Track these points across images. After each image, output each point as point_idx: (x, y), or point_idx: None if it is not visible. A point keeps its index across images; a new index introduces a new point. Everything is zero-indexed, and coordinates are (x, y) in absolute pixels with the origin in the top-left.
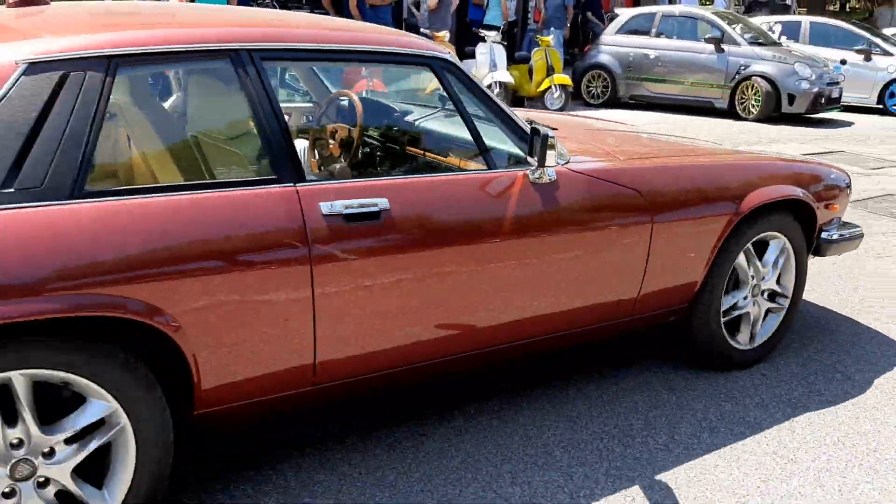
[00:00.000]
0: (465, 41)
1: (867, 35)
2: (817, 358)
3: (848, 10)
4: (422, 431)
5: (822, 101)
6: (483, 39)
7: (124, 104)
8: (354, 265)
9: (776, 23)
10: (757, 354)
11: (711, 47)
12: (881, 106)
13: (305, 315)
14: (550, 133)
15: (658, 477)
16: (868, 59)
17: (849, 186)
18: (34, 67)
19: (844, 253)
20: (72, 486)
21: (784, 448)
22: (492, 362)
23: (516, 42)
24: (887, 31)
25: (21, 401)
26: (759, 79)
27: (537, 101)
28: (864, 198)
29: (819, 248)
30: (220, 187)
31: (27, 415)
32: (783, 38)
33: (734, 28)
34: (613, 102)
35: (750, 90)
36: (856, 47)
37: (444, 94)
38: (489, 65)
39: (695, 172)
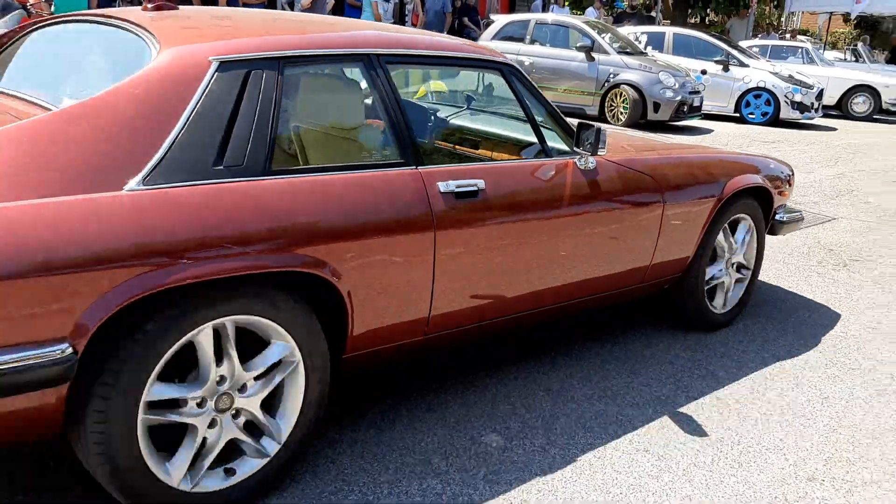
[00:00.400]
0: None
1: (725, 47)
2: (684, 355)
3: (707, 23)
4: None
5: (685, 109)
6: None
7: (290, 98)
8: (461, 233)
9: (643, 33)
10: (727, 317)
11: (583, 55)
12: (738, 114)
13: (427, 273)
14: (603, 127)
15: (535, 479)
16: (726, 69)
17: (792, 176)
18: (224, 65)
19: (791, 232)
20: (259, 415)
21: (655, 445)
22: (555, 317)
23: None
24: (743, 44)
25: (230, 342)
26: (626, 87)
27: None
28: None
29: (774, 228)
30: (366, 168)
31: (233, 354)
32: (649, 49)
33: (604, 37)
34: None
35: (618, 98)
36: (715, 58)
37: (510, 93)
38: None
39: (690, 164)
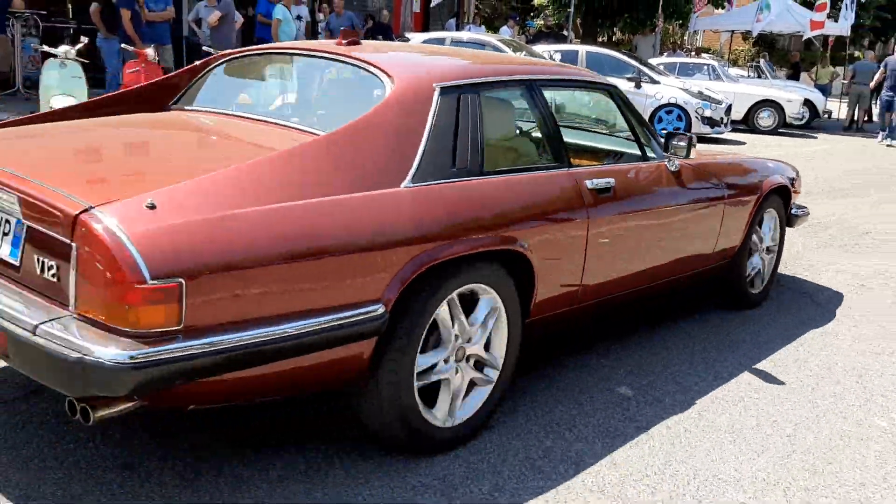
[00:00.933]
0: None
1: (636, 64)
2: (627, 381)
3: (614, 41)
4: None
5: None
6: None
7: (486, 114)
8: (602, 220)
9: (556, 52)
10: (762, 296)
11: None
12: None
13: (581, 252)
14: (693, 135)
15: None
16: (638, 86)
17: (799, 177)
18: (444, 91)
19: (802, 225)
20: (484, 354)
21: (609, 484)
22: (651, 296)
23: None
24: (652, 61)
25: (458, 307)
26: None
27: None
28: None
29: (790, 221)
30: (538, 169)
31: (462, 316)
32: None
33: (521, 56)
34: None
35: None
36: (626, 75)
37: (616, 109)
38: None
39: (738, 166)
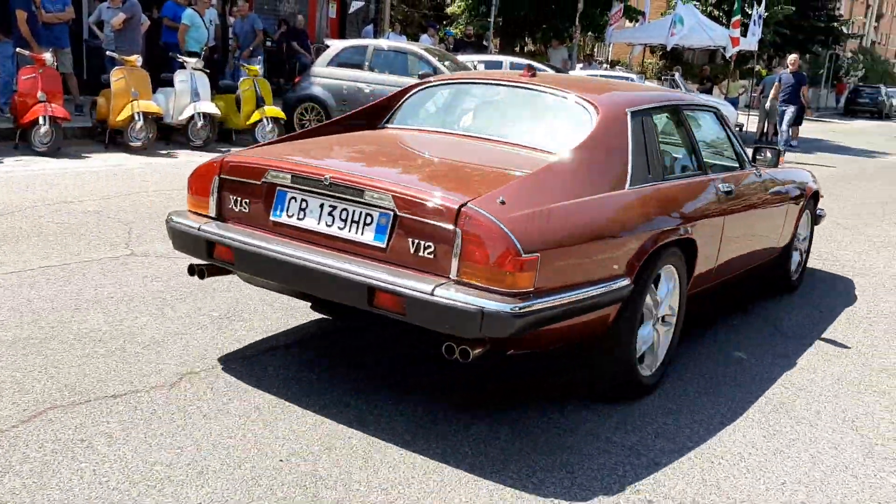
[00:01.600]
0: (161, 67)
1: None
2: (616, 439)
3: (527, 52)
4: None
5: None
6: (182, 66)
7: (658, 133)
8: (729, 215)
9: (479, 62)
10: (798, 282)
11: None
12: None
13: (718, 240)
14: (777, 148)
15: None
16: None
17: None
18: (633, 115)
19: (823, 223)
20: (667, 311)
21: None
22: (748, 278)
23: (218, 69)
24: (573, 74)
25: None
26: None
27: (247, 133)
28: None
29: (817, 220)
30: (692, 176)
31: (655, 288)
32: None
33: (445, 65)
34: None
35: None
36: None
37: (719, 126)
38: (190, 94)
39: (791, 174)
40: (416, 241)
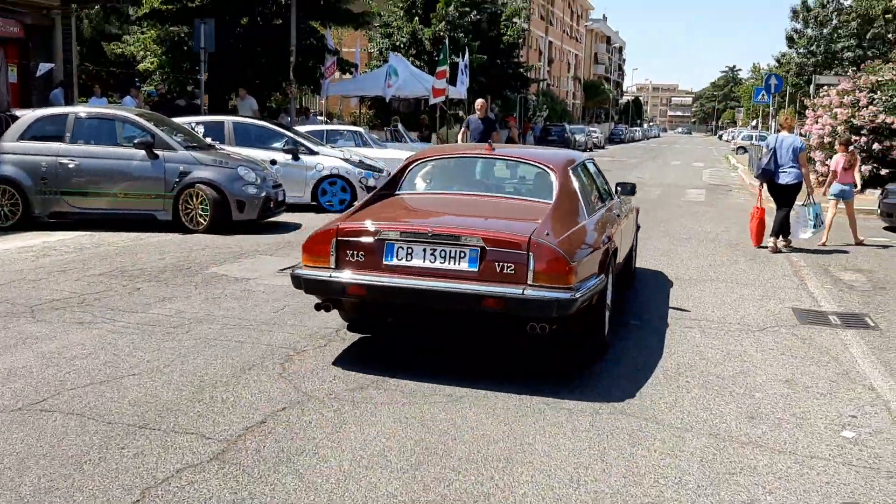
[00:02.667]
0: None
1: (289, 134)
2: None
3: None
4: None
5: (272, 204)
6: None
7: (580, 176)
8: (621, 228)
9: (198, 123)
10: (634, 276)
11: (143, 153)
12: (315, 203)
13: (619, 243)
14: (633, 183)
15: None
16: (296, 158)
17: None
18: (572, 169)
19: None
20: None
21: None
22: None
23: None
24: (301, 129)
25: None
26: (203, 186)
27: None
28: None
29: (638, 228)
30: (605, 201)
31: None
32: (208, 140)
33: (163, 130)
34: (29, 223)
35: (195, 199)
36: (280, 146)
37: (597, 169)
38: None
39: (626, 201)
40: (498, 263)
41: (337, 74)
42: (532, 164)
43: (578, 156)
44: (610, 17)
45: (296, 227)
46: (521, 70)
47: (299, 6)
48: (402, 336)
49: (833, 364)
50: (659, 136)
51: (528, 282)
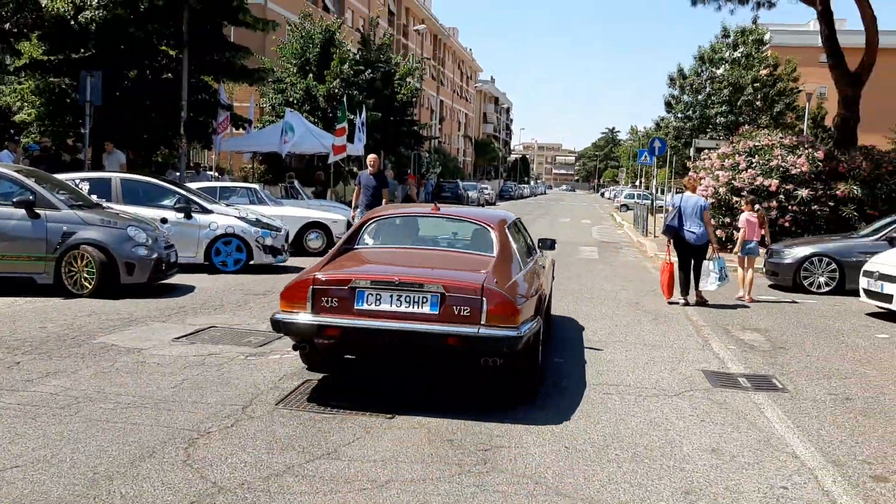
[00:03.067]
0: None
1: (180, 191)
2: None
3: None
4: None
5: (164, 267)
6: None
7: (522, 232)
8: (545, 274)
9: (83, 180)
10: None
11: (22, 212)
12: (208, 263)
13: (547, 287)
14: (553, 239)
15: None
16: (189, 216)
17: None
18: (509, 227)
19: None
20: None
21: None
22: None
23: None
24: (193, 185)
25: None
26: (88, 247)
27: None
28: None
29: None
30: (532, 253)
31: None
32: (94, 198)
33: (44, 187)
34: None
35: (80, 261)
36: (170, 203)
37: (518, 227)
38: None
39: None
40: (457, 307)
41: (230, 129)
42: (473, 223)
43: (510, 215)
44: (498, 79)
45: (189, 289)
46: (415, 128)
47: (192, 61)
48: (320, 412)
49: (753, 430)
50: (545, 193)
51: (482, 322)
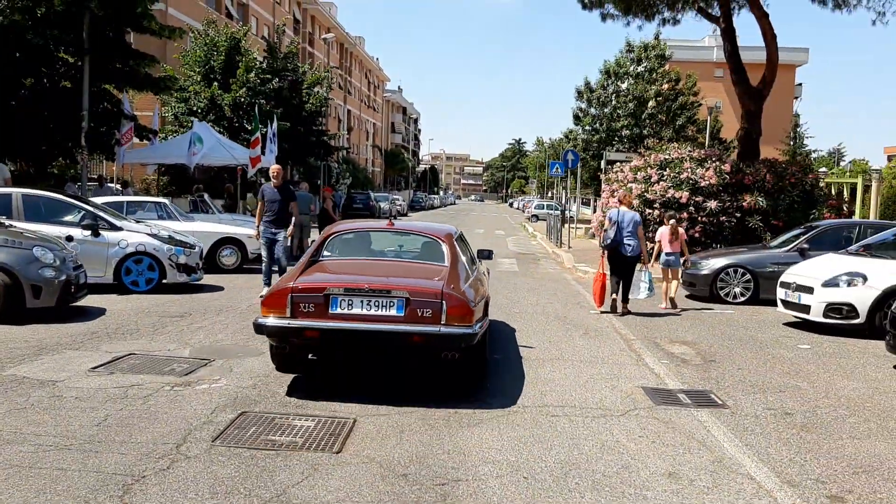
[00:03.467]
0: None
1: (87, 207)
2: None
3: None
4: None
5: (73, 289)
6: None
7: (464, 243)
8: (486, 281)
9: None
10: None
11: None
12: (117, 283)
13: (485, 292)
14: (490, 250)
15: None
16: (96, 234)
17: None
18: (455, 239)
19: None
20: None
21: None
22: None
23: None
24: (98, 200)
25: None
26: None
27: None
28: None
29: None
30: (475, 262)
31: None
32: None
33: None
34: None
35: None
36: (74, 219)
37: (463, 240)
38: None
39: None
40: (420, 309)
41: (134, 141)
42: (425, 236)
43: (455, 229)
44: (405, 89)
45: (100, 312)
46: (325, 138)
47: (93, 69)
48: (261, 448)
49: (704, 451)
50: (455, 203)
51: (443, 322)
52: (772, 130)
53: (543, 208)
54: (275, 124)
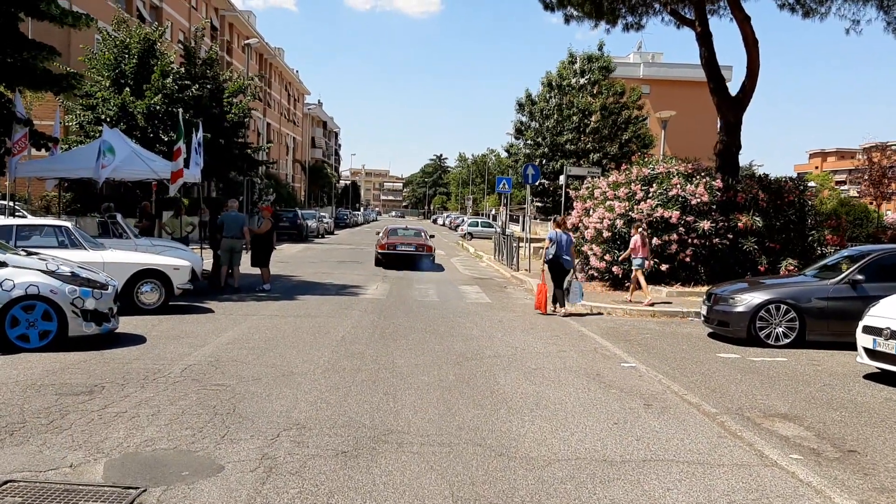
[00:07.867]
0: None
1: None
2: None
3: None
4: None
5: None
6: None
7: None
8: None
9: None
10: None
11: None
12: (0, 338)
13: None
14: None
15: None
16: None
17: None
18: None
19: None
20: None
21: None
22: None
23: None
24: None
25: None
26: None
27: None
28: None
29: None
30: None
31: None
32: None
33: None
34: None
35: None
36: None
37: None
38: None
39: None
40: (425, 248)
41: (30, 150)
42: (418, 229)
43: (424, 229)
44: (325, 103)
45: None
46: (248, 150)
47: None
48: None
49: None
50: (377, 220)
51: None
52: (701, 147)
53: (478, 226)
54: (200, 133)
